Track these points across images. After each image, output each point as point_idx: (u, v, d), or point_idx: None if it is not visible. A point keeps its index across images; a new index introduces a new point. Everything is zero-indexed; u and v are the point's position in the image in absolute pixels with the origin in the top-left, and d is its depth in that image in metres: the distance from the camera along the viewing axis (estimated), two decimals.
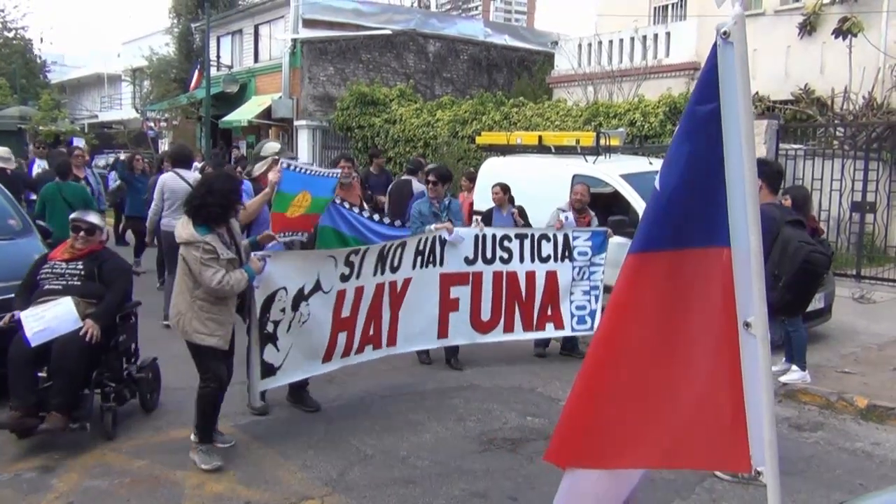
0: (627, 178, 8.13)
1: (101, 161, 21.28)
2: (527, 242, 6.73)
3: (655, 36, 17.28)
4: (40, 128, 25.09)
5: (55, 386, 4.73)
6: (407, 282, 5.96)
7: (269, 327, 4.97)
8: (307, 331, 5.22)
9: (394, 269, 5.84)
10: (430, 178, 6.77)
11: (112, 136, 31.04)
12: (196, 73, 23.85)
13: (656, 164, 8.68)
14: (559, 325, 6.97)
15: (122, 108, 34.91)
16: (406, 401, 5.94)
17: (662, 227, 2.17)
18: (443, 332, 6.37)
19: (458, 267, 6.39)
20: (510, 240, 6.68)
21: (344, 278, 5.41)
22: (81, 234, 5.29)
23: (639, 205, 7.65)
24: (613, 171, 8.36)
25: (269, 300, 4.93)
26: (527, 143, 9.87)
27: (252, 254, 4.86)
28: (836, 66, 13.96)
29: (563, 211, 7.03)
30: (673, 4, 19.47)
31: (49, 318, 4.79)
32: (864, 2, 14.18)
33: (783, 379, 6.23)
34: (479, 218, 7.14)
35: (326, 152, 19.98)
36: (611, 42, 17.90)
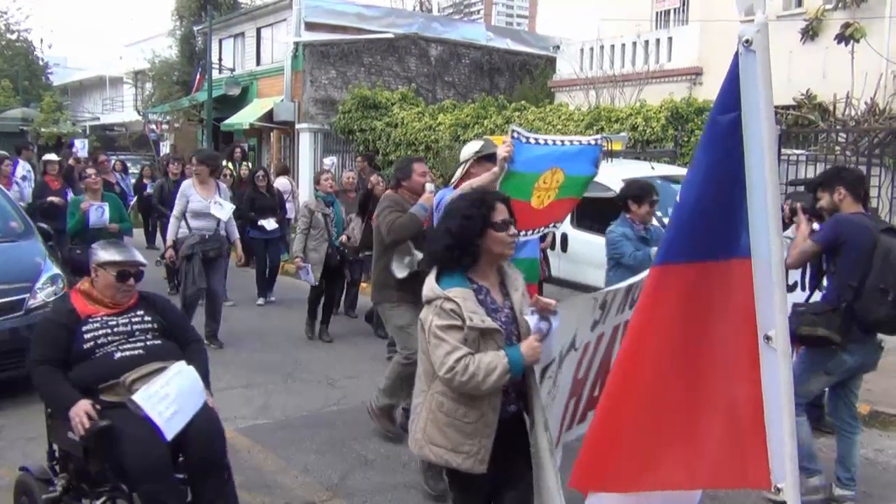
0: None
1: None
2: None
3: (658, 41, 17.29)
4: (42, 129, 25.19)
5: (214, 488, 3.47)
6: None
7: None
8: (549, 405, 3.39)
9: (631, 305, 3.92)
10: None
11: (114, 138, 31.15)
12: (198, 75, 23.93)
13: (658, 168, 8.67)
14: None
15: (123, 111, 35.02)
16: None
17: (685, 239, 2.13)
18: None
19: None
20: None
21: (594, 325, 3.66)
22: (131, 280, 3.80)
23: None
24: (615, 176, 8.35)
25: (539, 379, 3.14)
26: None
27: (527, 317, 2.91)
28: (838, 72, 13.94)
29: None
30: (675, 9, 19.48)
31: (175, 397, 3.41)
32: (867, 7, 14.19)
33: None
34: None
35: (328, 155, 19.98)
36: (613, 46, 17.92)
